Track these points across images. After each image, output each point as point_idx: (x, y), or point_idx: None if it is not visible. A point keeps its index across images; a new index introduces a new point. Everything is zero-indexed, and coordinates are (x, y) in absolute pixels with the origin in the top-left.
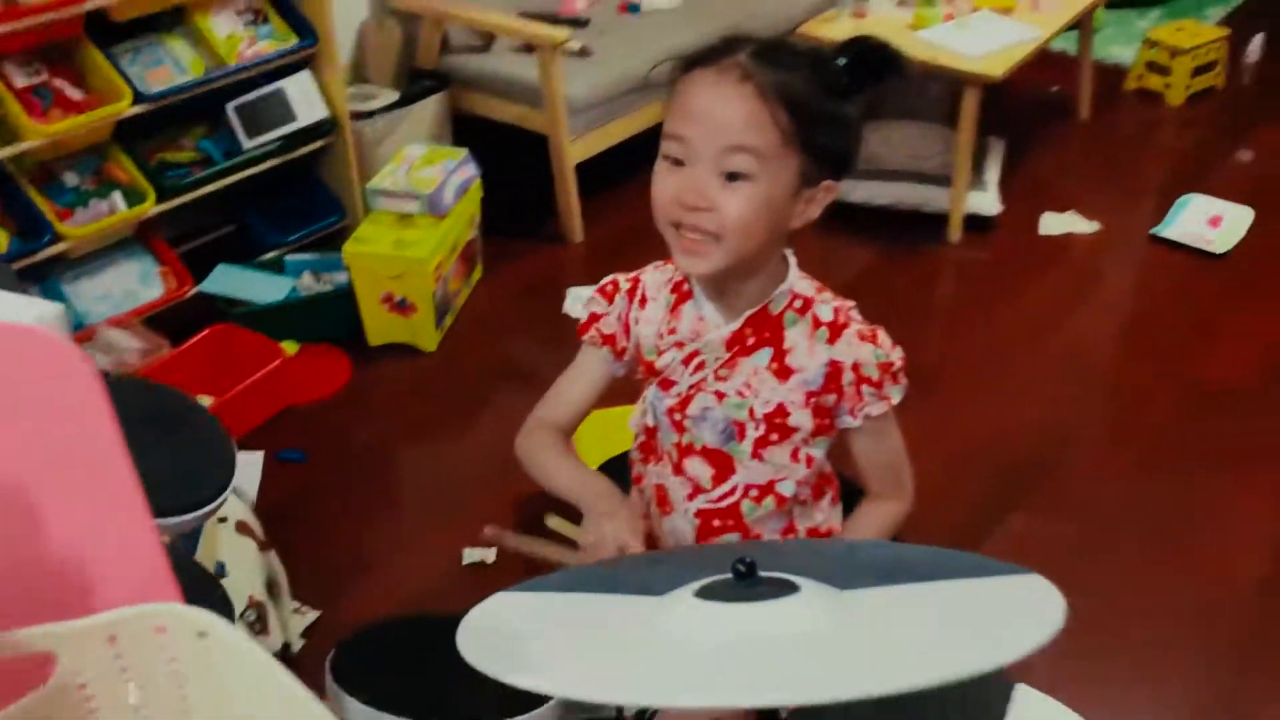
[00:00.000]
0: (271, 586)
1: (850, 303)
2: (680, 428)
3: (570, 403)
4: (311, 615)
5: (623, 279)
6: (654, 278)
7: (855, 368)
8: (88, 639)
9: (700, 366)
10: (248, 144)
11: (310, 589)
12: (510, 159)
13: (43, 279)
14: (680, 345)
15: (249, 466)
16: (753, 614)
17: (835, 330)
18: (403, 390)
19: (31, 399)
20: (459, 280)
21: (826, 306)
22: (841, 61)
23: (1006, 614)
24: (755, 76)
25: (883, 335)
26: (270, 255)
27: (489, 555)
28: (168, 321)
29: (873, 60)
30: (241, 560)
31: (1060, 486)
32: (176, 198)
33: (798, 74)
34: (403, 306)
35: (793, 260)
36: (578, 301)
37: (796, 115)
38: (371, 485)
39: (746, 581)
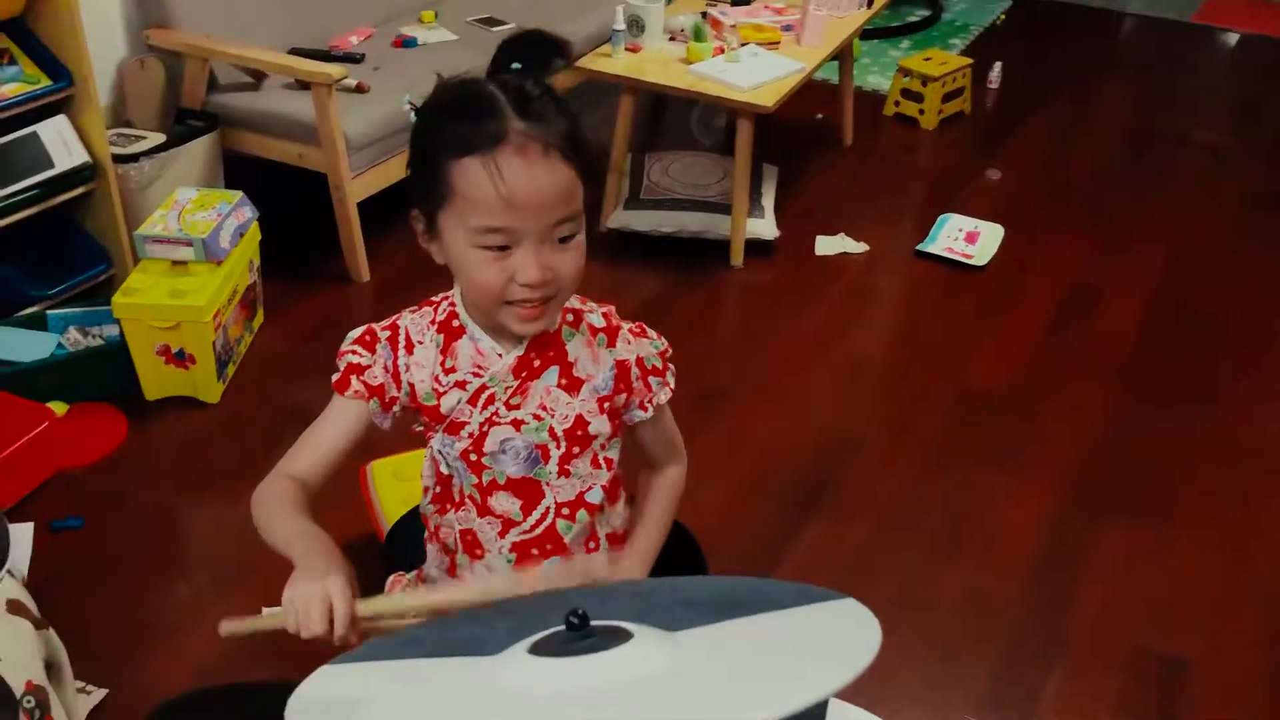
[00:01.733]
0: (51, 668)
1: (609, 306)
2: (479, 468)
3: (319, 455)
4: (98, 694)
5: (378, 328)
6: (414, 321)
7: (640, 363)
8: None
9: (490, 401)
10: None
11: (94, 666)
12: (288, 198)
13: None
14: (463, 385)
15: (18, 539)
16: (590, 666)
17: (611, 333)
18: (185, 446)
19: None
20: (240, 327)
21: (595, 314)
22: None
23: (828, 642)
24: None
25: (648, 328)
26: (30, 311)
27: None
28: None
29: (540, 48)
30: (16, 643)
31: (848, 492)
32: None
33: (565, 116)
34: (181, 358)
35: None
36: None
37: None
38: (155, 549)
39: (580, 633)
